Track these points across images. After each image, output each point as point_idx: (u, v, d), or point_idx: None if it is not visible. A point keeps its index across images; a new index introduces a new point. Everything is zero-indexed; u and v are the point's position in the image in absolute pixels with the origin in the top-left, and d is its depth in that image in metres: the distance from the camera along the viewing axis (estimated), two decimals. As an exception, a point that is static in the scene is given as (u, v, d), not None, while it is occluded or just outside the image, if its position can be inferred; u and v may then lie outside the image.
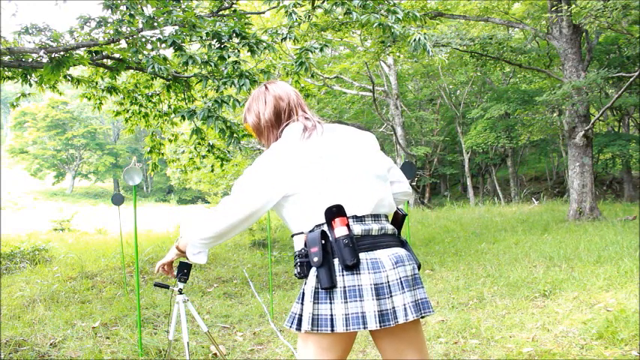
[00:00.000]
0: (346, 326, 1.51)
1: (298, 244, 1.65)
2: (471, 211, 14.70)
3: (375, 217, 1.66)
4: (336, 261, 1.54)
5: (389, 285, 1.56)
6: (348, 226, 1.54)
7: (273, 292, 5.34)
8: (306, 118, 1.73)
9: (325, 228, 1.56)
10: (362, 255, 1.56)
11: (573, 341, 3.34)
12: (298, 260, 1.61)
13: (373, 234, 1.62)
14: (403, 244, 1.74)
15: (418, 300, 1.63)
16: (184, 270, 2.96)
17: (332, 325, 1.52)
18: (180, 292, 2.96)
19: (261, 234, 9.16)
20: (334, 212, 1.55)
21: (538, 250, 6.78)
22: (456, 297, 4.80)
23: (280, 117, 1.76)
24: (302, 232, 1.64)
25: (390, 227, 1.69)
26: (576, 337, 3.41)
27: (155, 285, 3.09)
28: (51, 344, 3.77)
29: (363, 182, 1.65)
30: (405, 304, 1.56)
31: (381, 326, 1.51)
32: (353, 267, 1.53)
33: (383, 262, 1.58)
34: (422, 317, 1.65)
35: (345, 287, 1.53)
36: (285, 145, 1.66)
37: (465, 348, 3.40)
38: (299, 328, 1.58)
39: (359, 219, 1.61)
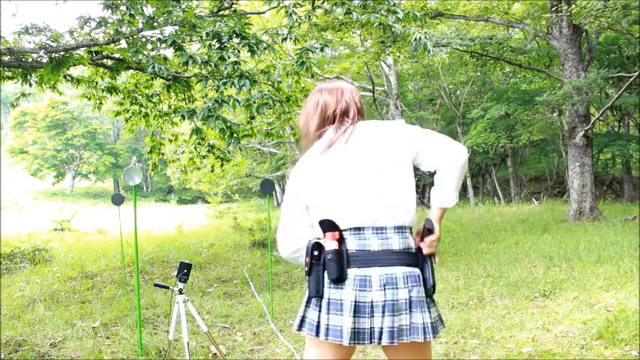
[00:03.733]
0: (326, 336, 1.56)
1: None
2: (471, 211, 14.69)
3: (379, 230, 1.60)
4: (326, 272, 1.58)
5: (372, 305, 1.54)
6: (339, 240, 1.56)
7: (273, 292, 5.34)
8: (340, 126, 1.71)
9: (322, 240, 1.60)
10: (352, 270, 1.56)
11: (573, 341, 3.34)
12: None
13: (371, 249, 1.58)
14: (414, 261, 1.63)
15: (404, 325, 1.55)
16: (184, 270, 2.97)
17: (317, 331, 1.58)
18: (181, 292, 2.96)
19: (261, 234, 9.15)
20: (327, 226, 1.58)
21: (538, 250, 6.78)
22: (456, 297, 4.80)
23: (323, 124, 1.76)
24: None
25: (397, 242, 1.60)
26: (576, 337, 3.41)
27: (155, 285, 3.09)
28: (51, 344, 3.77)
29: (368, 194, 1.61)
30: (381, 328, 1.53)
31: (354, 343, 1.53)
32: (337, 281, 1.55)
33: (372, 282, 1.55)
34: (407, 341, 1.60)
35: (329, 299, 1.57)
36: (305, 159, 1.71)
37: (465, 348, 3.39)
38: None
39: (357, 231, 1.59)
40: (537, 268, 5.78)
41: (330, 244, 1.56)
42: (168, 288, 3.01)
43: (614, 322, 3.45)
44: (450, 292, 5.01)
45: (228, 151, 7.48)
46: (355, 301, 1.54)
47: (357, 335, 1.53)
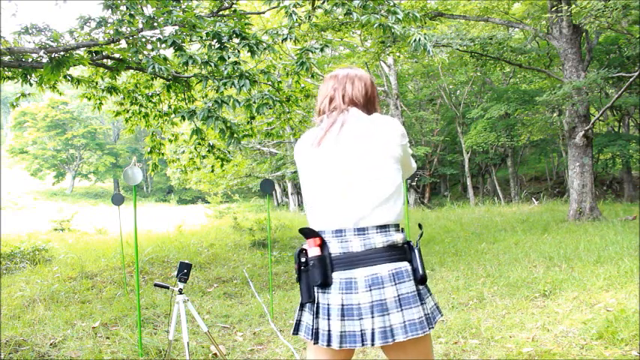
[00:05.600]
0: (316, 339, 1.58)
1: None
2: (471, 211, 14.69)
3: (360, 230, 1.56)
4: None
5: (360, 308, 1.52)
6: (321, 245, 1.57)
7: (273, 292, 5.34)
8: (329, 115, 1.71)
9: (305, 245, 1.62)
10: (337, 274, 1.56)
11: (573, 341, 3.34)
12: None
13: (353, 251, 1.54)
14: (401, 256, 1.59)
15: (398, 324, 1.51)
16: (184, 270, 2.97)
17: (314, 336, 1.60)
18: (181, 292, 2.96)
19: (261, 234, 9.15)
20: (306, 233, 1.60)
21: (538, 250, 6.78)
22: (456, 297, 4.80)
23: (323, 112, 1.77)
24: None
25: (381, 240, 1.55)
26: (576, 337, 3.41)
27: (155, 285, 3.09)
28: (51, 344, 3.77)
29: (348, 196, 1.57)
30: (373, 329, 1.51)
31: (341, 347, 1.53)
32: (323, 286, 1.56)
33: (357, 284, 1.53)
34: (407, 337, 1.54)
35: (319, 304, 1.59)
36: (296, 146, 1.78)
37: (465, 348, 3.40)
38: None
39: (338, 234, 1.58)
40: (537, 268, 5.77)
41: (312, 250, 1.57)
42: (168, 288, 3.01)
43: (614, 322, 3.45)
44: (450, 292, 5.01)
45: (228, 151, 7.49)
46: (342, 305, 1.53)
47: (345, 339, 1.53)
